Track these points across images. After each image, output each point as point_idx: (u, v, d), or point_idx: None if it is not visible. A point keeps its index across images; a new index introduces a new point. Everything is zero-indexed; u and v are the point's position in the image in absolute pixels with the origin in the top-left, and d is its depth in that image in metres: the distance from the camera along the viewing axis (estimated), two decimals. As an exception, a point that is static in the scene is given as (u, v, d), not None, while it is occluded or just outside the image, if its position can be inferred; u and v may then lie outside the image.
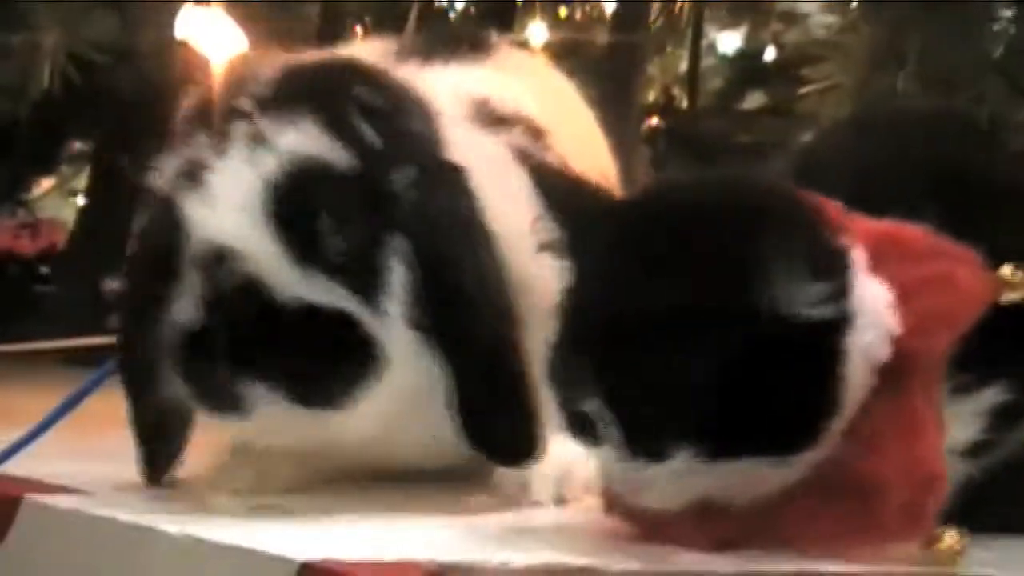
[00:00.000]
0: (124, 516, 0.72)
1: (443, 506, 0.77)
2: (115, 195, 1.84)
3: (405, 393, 0.75)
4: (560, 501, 0.78)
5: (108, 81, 1.56)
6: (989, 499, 0.67)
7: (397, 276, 0.73)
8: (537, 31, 1.93)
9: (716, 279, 0.57)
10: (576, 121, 0.99)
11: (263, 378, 0.72)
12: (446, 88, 0.85)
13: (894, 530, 0.60)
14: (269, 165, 0.72)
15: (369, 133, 0.75)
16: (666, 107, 2.22)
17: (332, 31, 1.68)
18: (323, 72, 0.79)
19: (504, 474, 0.80)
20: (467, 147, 0.80)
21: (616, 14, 1.88)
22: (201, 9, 1.29)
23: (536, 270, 0.74)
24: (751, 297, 0.57)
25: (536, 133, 0.88)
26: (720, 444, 0.58)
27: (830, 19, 1.73)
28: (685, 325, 0.57)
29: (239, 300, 0.71)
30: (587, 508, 0.74)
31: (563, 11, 1.94)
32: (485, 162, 0.80)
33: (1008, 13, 1.23)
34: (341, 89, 0.77)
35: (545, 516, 0.77)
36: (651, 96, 2.17)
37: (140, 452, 0.82)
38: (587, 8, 1.98)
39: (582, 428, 0.62)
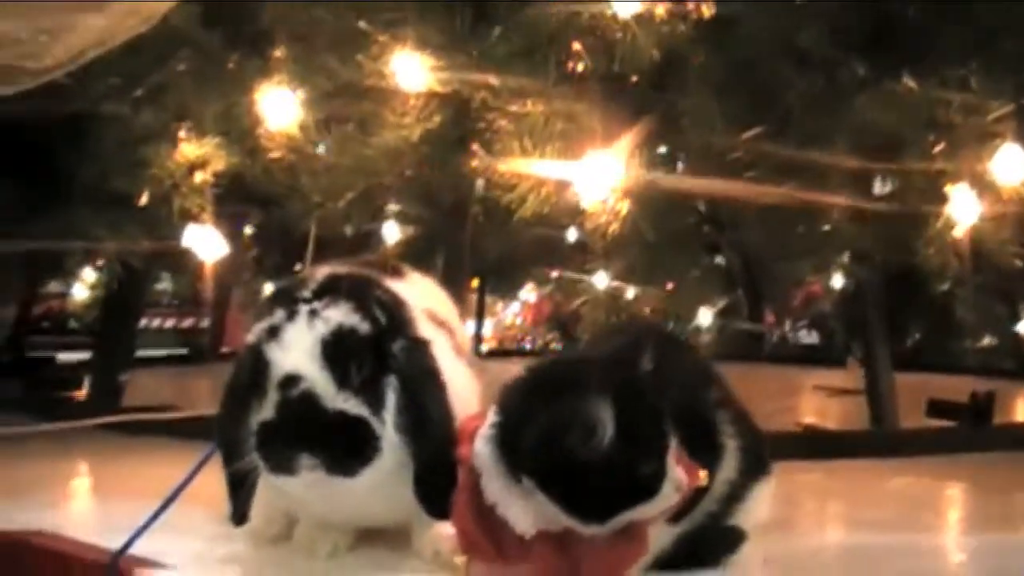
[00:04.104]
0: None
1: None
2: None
3: (389, 469, 1.19)
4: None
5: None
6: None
7: (391, 400, 1.20)
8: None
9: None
10: (455, 317, 1.50)
11: (310, 453, 1.15)
12: (410, 298, 1.33)
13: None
14: (321, 328, 1.19)
15: (380, 315, 1.23)
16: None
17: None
18: (354, 277, 1.29)
19: (422, 537, 1.28)
20: (429, 335, 1.28)
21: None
22: (199, 226, 1.76)
23: (462, 411, 1.24)
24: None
25: (451, 331, 1.40)
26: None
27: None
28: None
29: (300, 406, 1.16)
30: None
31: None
32: (437, 346, 1.29)
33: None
34: (365, 288, 1.26)
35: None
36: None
37: (230, 501, 1.28)
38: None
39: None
